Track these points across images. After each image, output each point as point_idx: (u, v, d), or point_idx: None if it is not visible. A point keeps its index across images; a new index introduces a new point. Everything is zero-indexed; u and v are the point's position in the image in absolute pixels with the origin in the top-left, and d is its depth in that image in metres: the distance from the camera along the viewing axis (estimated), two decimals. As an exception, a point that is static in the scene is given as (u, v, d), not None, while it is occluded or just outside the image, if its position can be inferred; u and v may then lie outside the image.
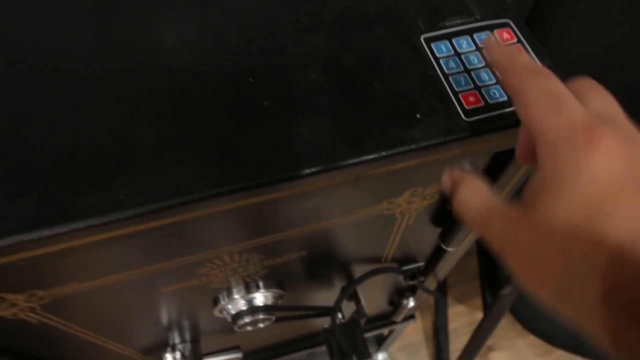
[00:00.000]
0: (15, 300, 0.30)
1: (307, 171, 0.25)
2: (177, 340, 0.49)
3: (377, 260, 0.46)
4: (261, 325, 0.44)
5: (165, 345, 0.51)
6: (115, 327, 0.41)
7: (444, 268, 0.47)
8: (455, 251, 0.42)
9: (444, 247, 0.41)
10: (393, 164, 0.27)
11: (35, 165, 0.24)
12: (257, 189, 0.25)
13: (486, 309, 0.79)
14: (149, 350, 0.50)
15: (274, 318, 0.43)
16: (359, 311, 0.50)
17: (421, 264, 0.50)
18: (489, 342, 1.02)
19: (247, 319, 0.42)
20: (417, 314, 0.85)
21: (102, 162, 0.25)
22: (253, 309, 0.42)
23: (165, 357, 0.46)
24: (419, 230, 0.41)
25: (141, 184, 0.24)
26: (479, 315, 1.17)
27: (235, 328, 0.43)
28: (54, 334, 0.37)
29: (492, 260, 0.78)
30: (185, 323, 0.47)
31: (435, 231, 0.42)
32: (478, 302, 1.18)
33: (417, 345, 1.13)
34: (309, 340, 0.70)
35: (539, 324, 0.74)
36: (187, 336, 0.49)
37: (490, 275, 0.79)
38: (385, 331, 0.90)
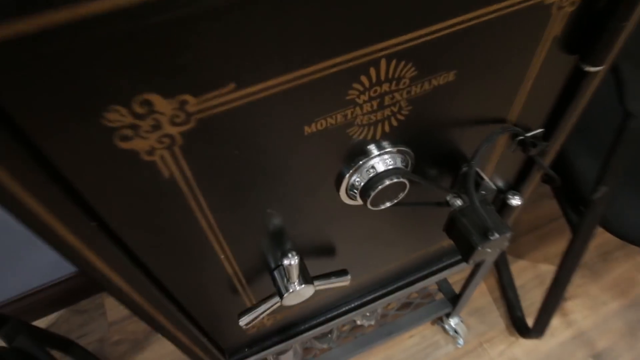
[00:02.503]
0: (162, 111, 0.25)
1: None
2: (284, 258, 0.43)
3: (501, 121, 0.42)
4: (394, 200, 0.39)
5: (268, 267, 0.45)
6: (235, 213, 0.35)
7: (571, 118, 0.43)
8: (598, 71, 0.38)
9: (585, 68, 0.37)
10: None
11: None
12: None
13: (574, 229, 0.74)
14: (252, 270, 0.44)
15: (407, 184, 0.38)
16: (486, 187, 0.45)
17: (541, 130, 0.46)
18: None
19: (380, 186, 0.37)
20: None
21: None
22: (385, 173, 0.37)
23: (288, 256, 0.40)
24: (557, 62, 0.37)
25: None
26: (544, 268, 1.11)
27: (368, 204, 0.38)
28: (173, 206, 0.32)
29: (569, 171, 0.73)
30: (303, 229, 0.41)
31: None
32: (538, 255, 1.13)
33: (486, 307, 1.05)
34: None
35: (628, 228, 0.69)
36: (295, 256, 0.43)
37: (569, 188, 0.74)
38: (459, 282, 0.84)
